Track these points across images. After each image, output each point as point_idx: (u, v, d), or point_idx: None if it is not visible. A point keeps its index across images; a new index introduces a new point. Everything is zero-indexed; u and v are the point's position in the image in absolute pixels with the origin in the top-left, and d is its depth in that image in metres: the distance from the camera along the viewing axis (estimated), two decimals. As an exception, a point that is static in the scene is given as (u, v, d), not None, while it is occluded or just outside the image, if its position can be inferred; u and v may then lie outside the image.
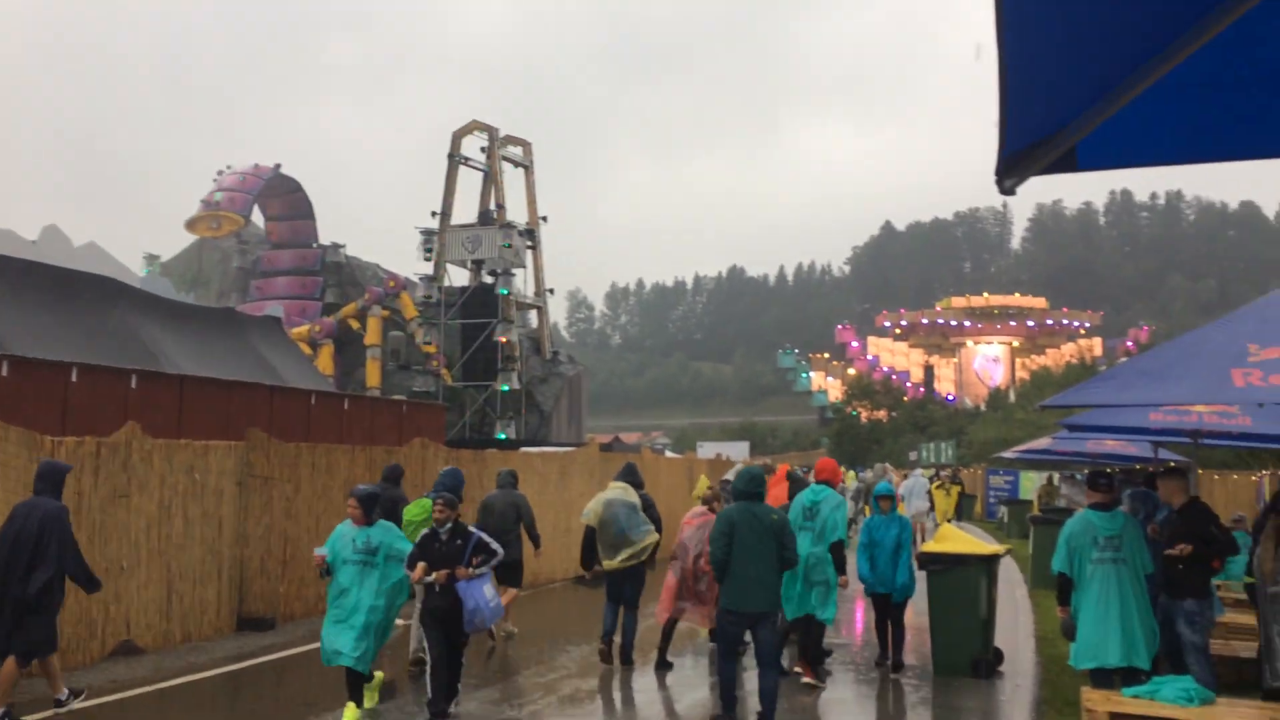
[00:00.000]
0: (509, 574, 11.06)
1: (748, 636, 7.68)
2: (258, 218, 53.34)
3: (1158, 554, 7.59)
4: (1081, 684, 7.41)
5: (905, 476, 26.52)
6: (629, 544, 9.79)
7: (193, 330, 21.37)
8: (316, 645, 10.69)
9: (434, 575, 7.48)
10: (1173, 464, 18.71)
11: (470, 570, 7.49)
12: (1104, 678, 7.21)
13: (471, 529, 7.84)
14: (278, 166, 51.36)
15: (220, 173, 50.99)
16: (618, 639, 9.93)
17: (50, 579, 7.45)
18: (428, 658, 7.75)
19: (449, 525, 7.64)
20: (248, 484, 11.84)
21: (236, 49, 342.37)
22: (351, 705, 7.60)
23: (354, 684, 7.64)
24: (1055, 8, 1.70)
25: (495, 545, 7.77)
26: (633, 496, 10.11)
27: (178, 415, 16.07)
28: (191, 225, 51.67)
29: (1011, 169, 1.99)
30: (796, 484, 10.94)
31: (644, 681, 9.60)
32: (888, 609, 9.83)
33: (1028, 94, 1.84)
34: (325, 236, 52.76)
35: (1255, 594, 7.43)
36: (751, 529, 7.36)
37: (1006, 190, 2.08)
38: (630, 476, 10.42)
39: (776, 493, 10.83)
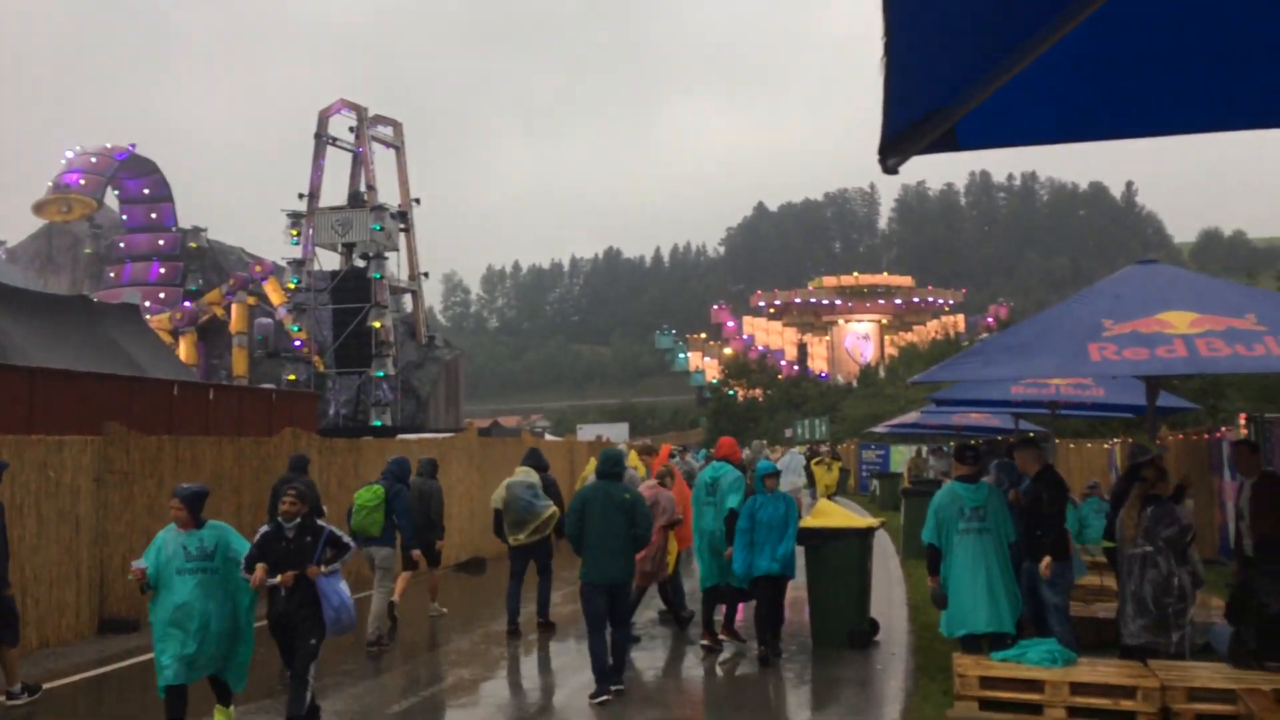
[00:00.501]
0: (428, 555, 11.72)
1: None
2: (111, 201, 50.88)
3: (1021, 521, 7.92)
4: (953, 650, 7.69)
5: (781, 453, 27.12)
6: (533, 518, 10.64)
7: (44, 320, 20.25)
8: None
9: (279, 577, 6.81)
10: (1030, 434, 19.58)
11: (321, 568, 6.89)
12: (973, 643, 7.49)
13: (321, 524, 7.19)
14: (132, 147, 49.04)
15: (70, 153, 48.43)
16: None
17: None
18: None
19: (296, 521, 6.98)
20: (106, 480, 11.29)
21: (73, 16, 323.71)
22: (220, 708, 7.16)
23: (222, 692, 7.13)
24: None
25: (348, 539, 7.20)
26: (534, 478, 10.87)
27: (29, 409, 15.23)
28: (39, 209, 48.95)
29: (894, 148, 2.00)
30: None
31: (529, 667, 9.56)
32: (767, 591, 8.99)
33: (910, 73, 1.85)
34: (185, 220, 50.73)
35: (1114, 557, 7.83)
36: (604, 506, 7.93)
37: (889, 169, 2.09)
38: (534, 460, 11.29)
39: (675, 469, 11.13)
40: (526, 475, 10.87)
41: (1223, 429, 14.76)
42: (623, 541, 7.91)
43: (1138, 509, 7.29)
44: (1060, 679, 6.68)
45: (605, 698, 7.79)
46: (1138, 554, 7.21)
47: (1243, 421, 12.90)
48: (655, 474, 10.77)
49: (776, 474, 9.24)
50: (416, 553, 10.96)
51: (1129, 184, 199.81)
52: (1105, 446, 20.33)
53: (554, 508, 10.83)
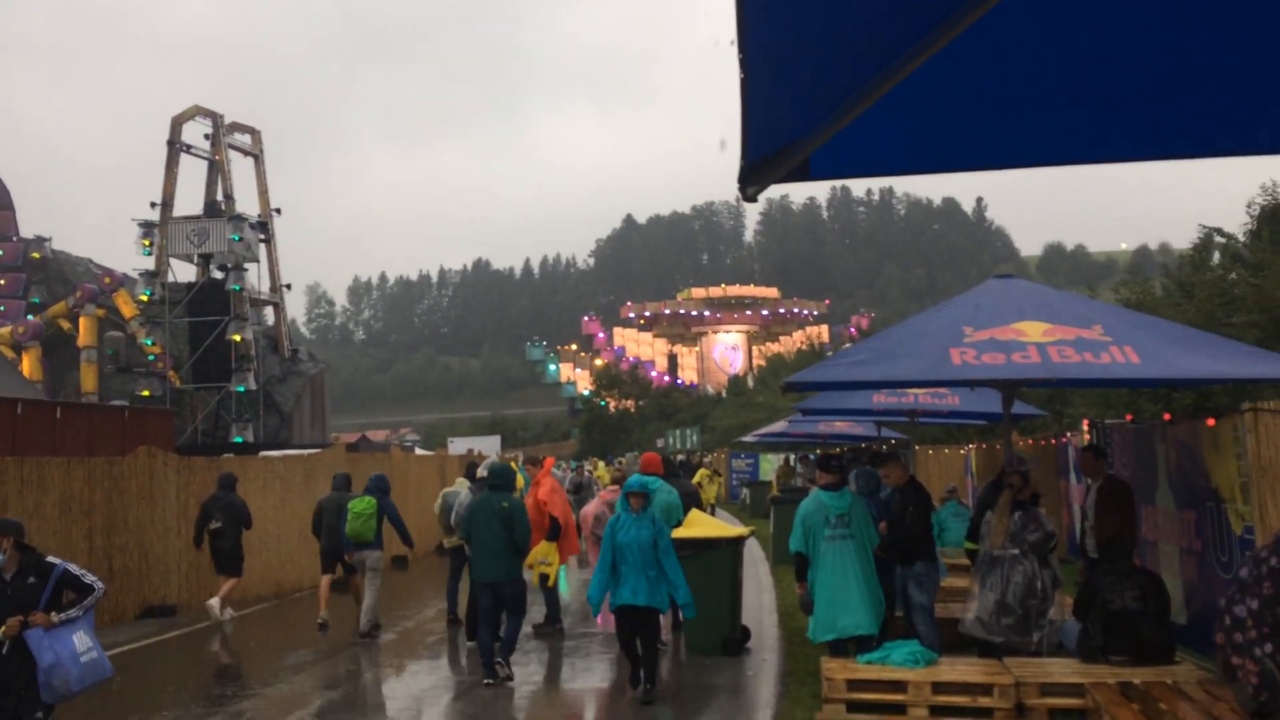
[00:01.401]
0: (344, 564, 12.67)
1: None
2: (-55, 208, 47.86)
3: (891, 530, 8.20)
4: (823, 654, 7.89)
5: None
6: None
7: None
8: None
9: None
10: (891, 443, 20.25)
11: (56, 617, 5.76)
12: (840, 647, 7.71)
13: (53, 560, 6.06)
14: (-32, 151, 46.29)
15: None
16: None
17: None
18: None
19: (17, 563, 5.88)
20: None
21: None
22: None
23: None
24: (791, 25, 1.79)
25: (92, 580, 6.07)
26: (465, 489, 11.97)
27: None
28: None
29: (752, 178, 2.08)
30: (673, 469, 13.36)
31: (434, 674, 9.39)
32: (636, 623, 7.90)
33: (767, 107, 1.93)
34: (27, 229, 48.10)
35: (974, 558, 8.17)
36: (487, 514, 8.86)
37: (749, 198, 2.18)
38: (470, 472, 12.53)
39: (549, 481, 11.09)
40: (461, 487, 12.25)
41: (1068, 434, 15.57)
42: (502, 544, 8.76)
43: (1007, 514, 7.63)
44: (923, 679, 6.94)
45: (490, 681, 8.82)
46: (1005, 556, 7.54)
47: (1085, 427, 13.64)
48: (539, 482, 10.97)
49: (644, 493, 8.08)
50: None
51: (979, 200, 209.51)
52: (961, 452, 21.19)
53: None
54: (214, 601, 12.97)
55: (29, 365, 41.36)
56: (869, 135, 2.24)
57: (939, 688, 6.92)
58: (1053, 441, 16.15)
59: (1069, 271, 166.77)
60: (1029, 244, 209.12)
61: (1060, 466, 15.28)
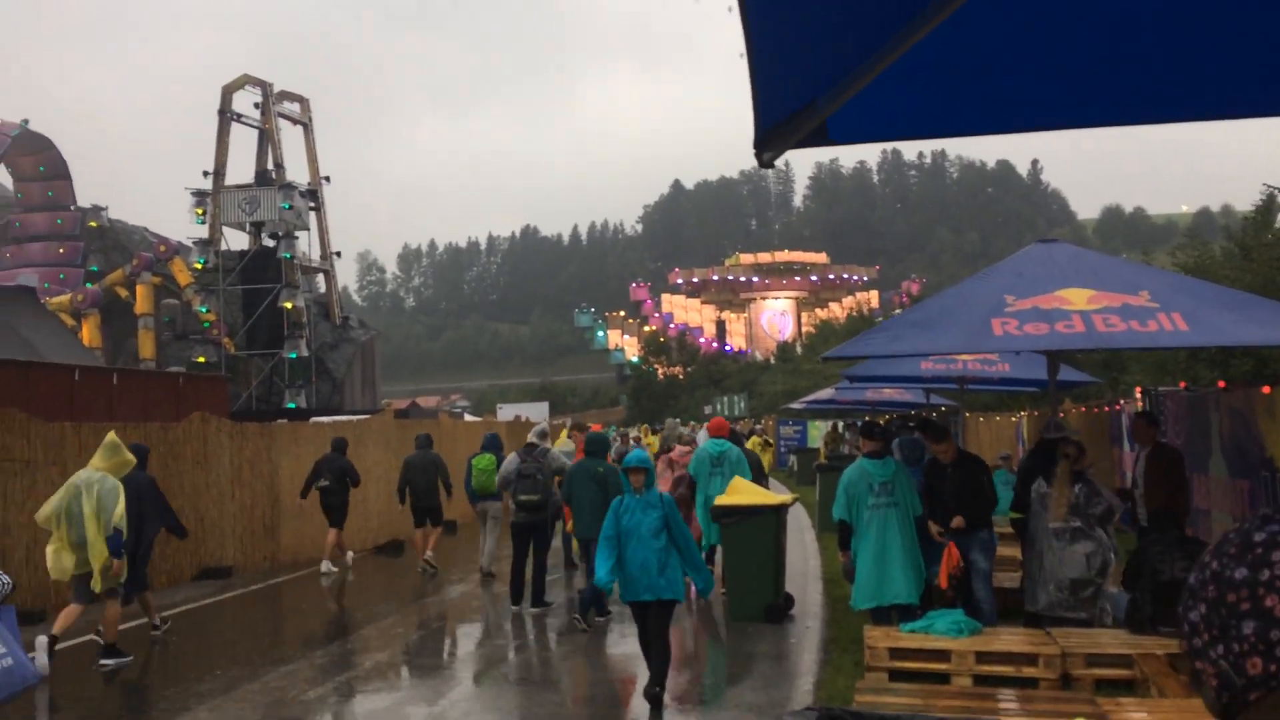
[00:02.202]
0: (432, 515, 14.14)
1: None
2: (5, 179, 48.88)
3: (933, 501, 8.08)
4: (866, 623, 7.87)
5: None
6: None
7: (-67, 304, 19.43)
8: (93, 636, 10.08)
9: None
10: (940, 410, 20.03)
11: None
12: (883, 615, 7.69)
13: None
14: (25, 122, 47.10)
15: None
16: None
17: None
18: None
19: None
20: (5, 469, 10.92)
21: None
22: None
23: None
24: None
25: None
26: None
27: (-81, 398, 14.63)
28: (-73, 187, 46.83)
29: (767, 143, 2.03)
30: (735, 437, 12.75)
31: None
32: (648, 620, 6.95)
33: (776, 70, 1.87)
34: (85, 198, 48.99)
35: (1020, 528, 8.08)
36: (585, 477, 9.97)
37: (765, 163, 2.13)
38: (491, 442, 13.22)
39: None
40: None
41: (1121, 401, 15.31)
42: (600, 505, 9.26)
43: (1068, 485, 7.51)
44: (966, 648, 6.90)
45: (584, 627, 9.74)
46: (1065, 529, 7.43)
47: (1138, 394, 13.40)
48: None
49: (645, 469, 6.98)
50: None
51: (1034, 162, 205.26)
52: (1013, 419, 20.93)
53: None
54: (327, 564, 14.28)
55: (88, 332, 42.27)
56: (890, 97, 2.16)
57: (983, 657, 6.88)
58: (1105, 409, 15.88)
59: (1127, 235, 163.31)
60: (1086, 207, 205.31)
61: (1113, 434, 15.04)
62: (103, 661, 8.96)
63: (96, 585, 8.63)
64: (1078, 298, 7.00)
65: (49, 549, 8.76)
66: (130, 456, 9.19)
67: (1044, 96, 2.31)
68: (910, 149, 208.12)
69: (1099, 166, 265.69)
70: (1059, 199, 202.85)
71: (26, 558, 11.04)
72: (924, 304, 8.71)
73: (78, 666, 8.95)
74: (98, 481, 8.69)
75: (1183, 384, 12.84)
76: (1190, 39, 2.06)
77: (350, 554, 14.83)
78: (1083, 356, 18.60)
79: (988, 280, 8.08)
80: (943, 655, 6.93)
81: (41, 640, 8.54)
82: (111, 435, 9.40)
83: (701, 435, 13.34)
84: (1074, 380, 13.18)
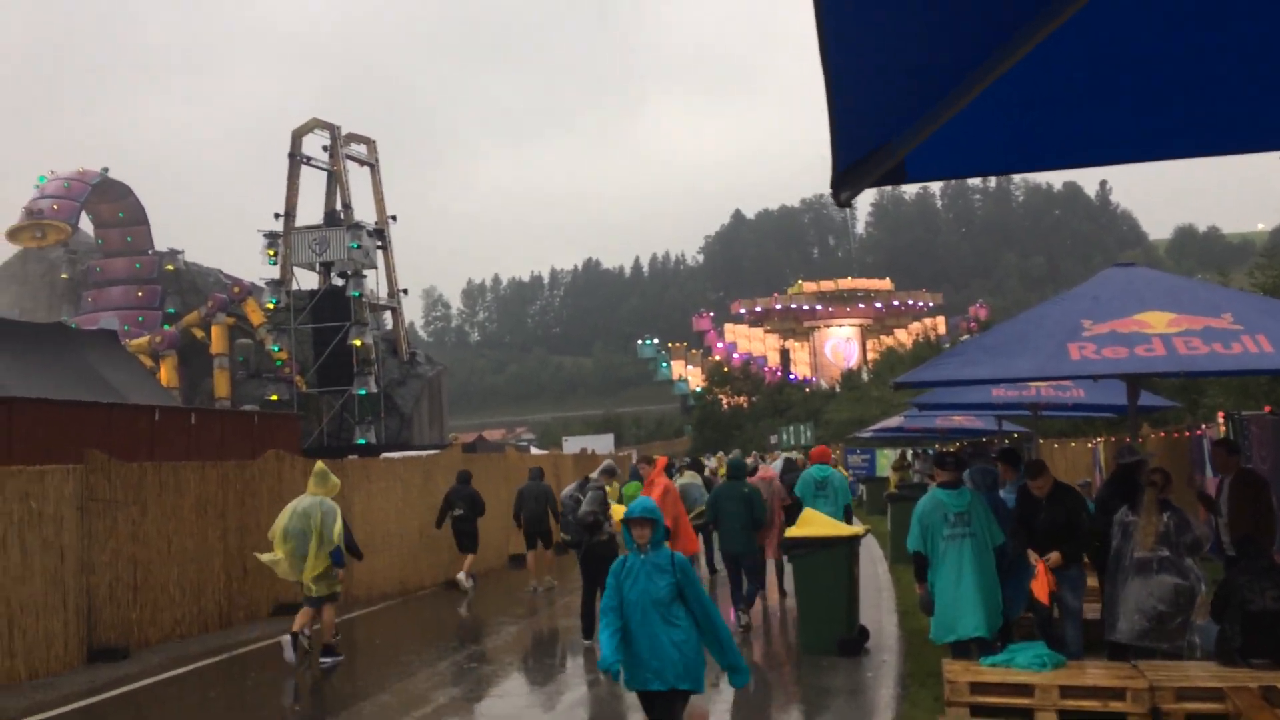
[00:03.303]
0: (544, 539, 15.40)
1: None
2: (86, 225, 50.58)
3: (1014, 528, 7.89)
4: (943, 656, 7.72)
5: (774, 459, 27.06)
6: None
7: (20, 348, 20.10)
8: (174, 672, 10.30)
9: None
10: (1013, 437, 19.65)
11: None
12: (963, 649, 7.52)
13: None
14: (105, 170, 48.82)
15: (43, 179, 48.14)
16: None
17: None
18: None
19: None
20: (90, 508, 11.21)
21: (37, 35, 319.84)
22: None
23: None
24: (874, 27, 1.75)
25: None
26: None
27: (8, 440, 15.11)
28: (13, 235, 48.63)
29: (845, 182, 2.03)
30: (790, 468, 14.63)
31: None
32: (654, 714, 5.49)
33: (855, 111, 1.89)
34: (161, 242, 50.47)
35: (1100, 557, 7.87)
36: (731, 498, 11.14)
37: (843, 203, 2.14)
38: (535, 474, 15.52)
39: (662, 481, 11.14)
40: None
41: (1203, 426, 14.89)
42: (743, 523, 10.98)
43: (1155, 514, 7.31)
44: (1050, 683, 6.72)
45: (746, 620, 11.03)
46: (1152, 559, 7.22)
47: (1220, 419, 13.02)
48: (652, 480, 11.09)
49: (652, 520, 5.43)
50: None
51: (1103, 183, 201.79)
52: (1089, 445, 20.46)
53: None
54: (460, 576, 15.67)
55: (166, 373, 43.42)
56: (966, 133, 2.16)
57: (1068, 691, 6.70)
58: (1185, 434, 15.46)
59: (1200, 255, 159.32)
60: (1158, 227, 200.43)
61: (1194, 459, 14.62)
62: (322, 660, 10.33)
63: (311, 591, 10.18)
64: (1158, 321, 6.84)
65: (266, 557, 10.42)
66: (337, 480, 10.68)
67: (1124, 130, 2.29)
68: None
69: (1170, 185, 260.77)
70: (1129, 220, 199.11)
71: (110, 595, 11.30)
72: (997, 329, 8.57)
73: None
74: (318, 505, 10.20)
75: (1267, 408, 12.45)
76: (1268, 68, 2.03)
77: (472, 580, 15.81)
78: (1159, 380, 18.16)
79: (1063, 304, 7.94)
80: (1026, 690, 6.76)
81: (286, 639, 10.12)
82: (320, 464, 10.90)
83: (767, 464, 15.93)
84: (1152, 405, 12.85)
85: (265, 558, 10.45)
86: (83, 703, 9.32)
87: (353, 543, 11.01)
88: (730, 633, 5.46)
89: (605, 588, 5.45)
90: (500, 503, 17.79)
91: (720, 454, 45.33)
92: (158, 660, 11.00)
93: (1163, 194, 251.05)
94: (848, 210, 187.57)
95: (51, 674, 10.34)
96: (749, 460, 18.61)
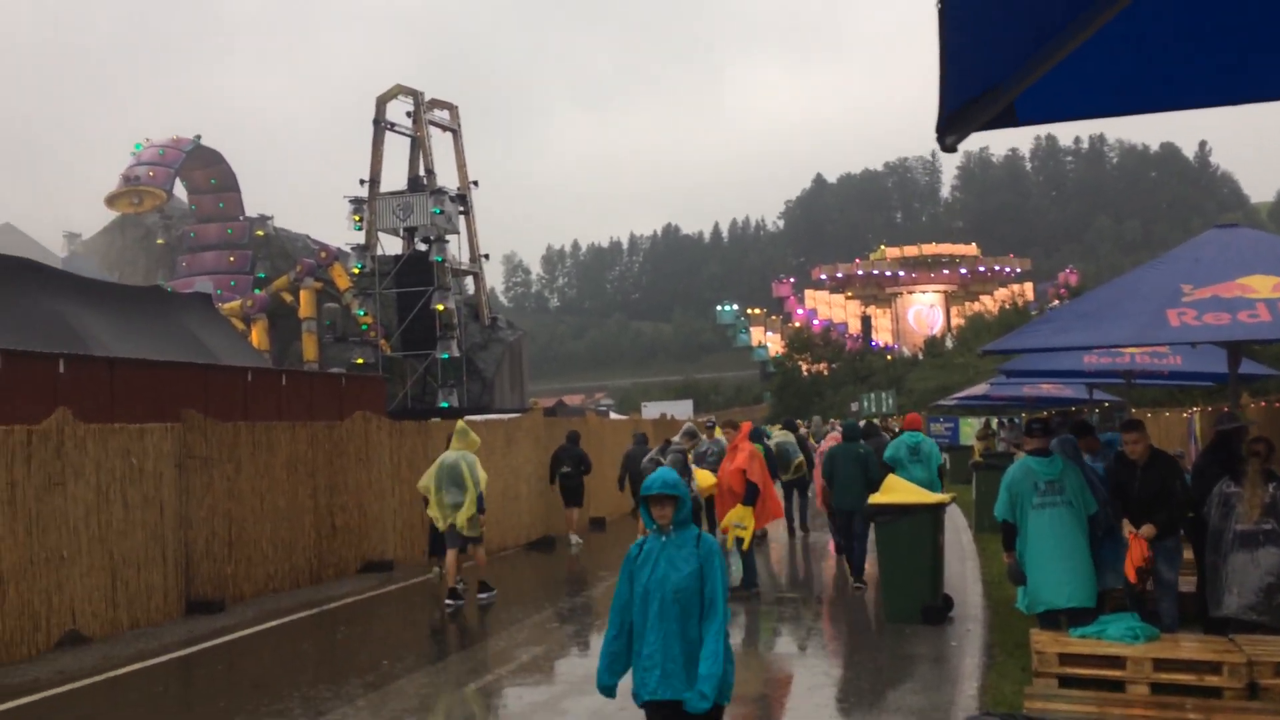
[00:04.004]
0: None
1: None
2: (180, 191, 51.97)
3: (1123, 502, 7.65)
4: (1029, 626, 7.58)
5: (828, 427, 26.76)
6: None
7: (120, 311, 20.79)
8: (267, 625, 10.63)
9: None
10: (1104, 406, 19.15)
11: None
12: (1052, 619, 7.38)
13: None
14: (198, 138, 49.98)
15: (138, 147, 49.55)
16: None
17: None
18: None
19: None
20: (187, 466, 11.59)
21: (133, 6, 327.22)
22: None
23: None
24: None
25: None
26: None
27: (109, 399, 15.67)
28: (111, 201, 50.19)
29: (952, 126, 1.98)
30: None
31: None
32: None
33: (966, 52, 1.82)
34: (251, 208, 51.63)
35: (1196, 529, 7.63)
36: (847, 458, 11.75)
37: (948, 147, 2.08)
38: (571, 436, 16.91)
39: (748, 447, 11.20)
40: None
41: (1307, 395, 14.33)
42: (858, 483, 11.35)
43: (1260, 485, 7.06)
44: (1143, 655, 6.56)
45: (859, 586, 11.42)
46: (1255, 531, 6.98)
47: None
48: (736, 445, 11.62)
49: (674, 498, 4.54)
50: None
51: (1202, 143, 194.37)
52: (1184, 415, 19.85)
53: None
54: (573, 535, 16.91)
55: (257, 336, 44.54)
56: (1081, 74, 2.08)
57: (1161, 664, 6.52)
58: (1288, 404, 14.89)
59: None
60: (1259, 189, 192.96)
61: (1297, 430, 14.07)
62: (479, 595, 11.68)
63: (465, 531, 11.35)
64: (1262, 285, 6.56)
65: (430, 511, 11.75)
66: (476, 438, 12.00)
67: (1240, 69, 2.17)
68: (1066, 134, 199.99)
69: (1274, 145, 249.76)
70: (1230, 182, 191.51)
71: (206, 549, 11.70)
72: (1091, 294, 8.31)
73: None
74: (462, 458, 11.48)
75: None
76: None
77: (577, 537, 16.96)
78: (1261, 348, 17.47)
79: (1161, 269, 7.65)
80: (1117, 662, 6.60)
81: (448, 602, 11.32)
82: (461, 423, 12.39)
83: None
84: (1253, 374, 12.39)
85: (430, 512, 11.75)
86: (182, 652, 9.69)
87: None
88: (729, 649, 4.48)
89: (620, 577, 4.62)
90: (599, 469, 18.60)
91: (816, 418, 45.01)
92: (251, 613, 11.37)
93: (1265, 154, 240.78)
94: (930, 172, 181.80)
95: (152, 624, 10.76)
96: (801, 429, 20.05)
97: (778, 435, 17.72)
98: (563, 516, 17.29)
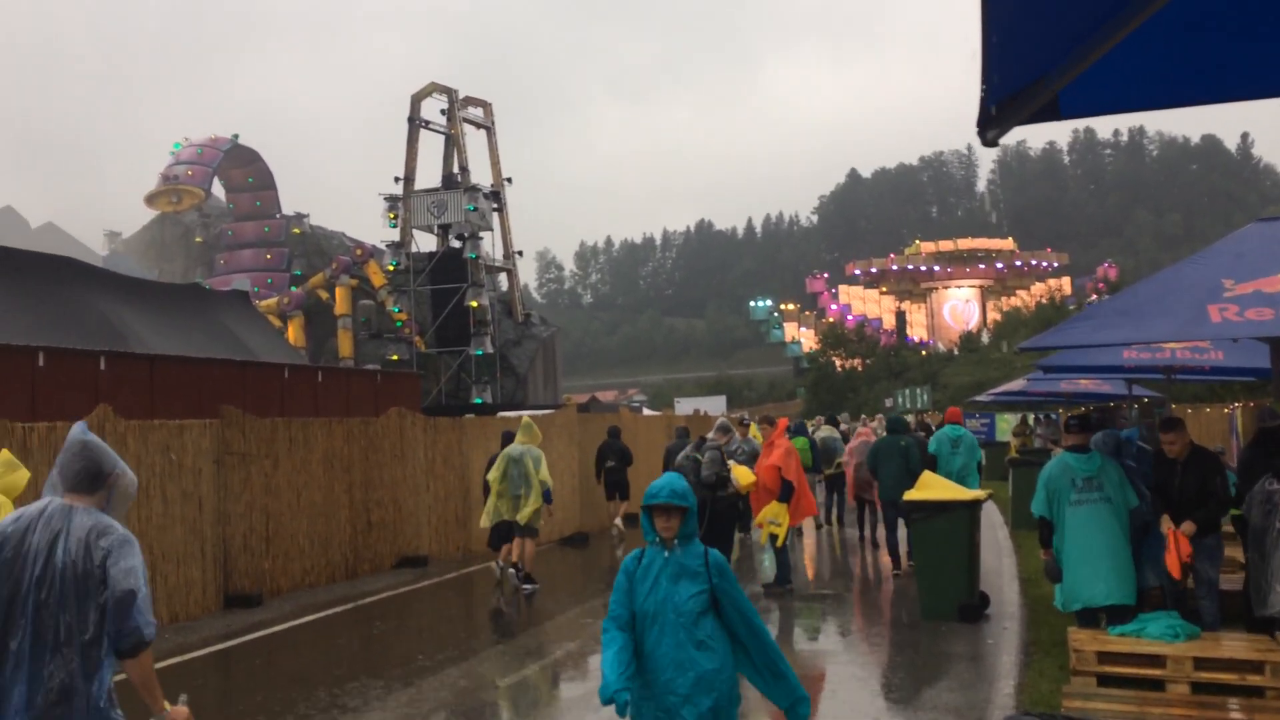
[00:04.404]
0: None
1: None
2: (218, 190, 52.58)
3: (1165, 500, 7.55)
4: (1067, 624, 7.50)
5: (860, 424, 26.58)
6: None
7: (160, 308, 21.07)
8: (304, 620, 10.74)
9: None
10: (1144, 401, 18.90)
11: None
12: (1090, 617, 7.30)
13: None
14: (235, 137, 50.55)
15: (177, 146, 50.18)
16: None
17: None
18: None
19: None
20: (225, 462, 11.72)
21: (169, 6, 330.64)
22: None
23: None
24: None
25: None
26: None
27: (149, 395, 15.89)
28: (151, 200, 50.91)
29: (994, 121, 1.95)
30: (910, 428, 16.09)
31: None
32: None
33: (1009, 46, 1.80)
34: (287, 206, 52.14)
35: (1241, 527, 7.51)
36: (890, 450, 12.39)
37: (989, 142, 2.06)
38: (800, 430, 16.74)
39: (784, 443, 11.17)
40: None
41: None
42: (901, 473, 11.74)
43: None
44: (1183, 654, 6.48)
45: (898, 571, 12.25)
46: None
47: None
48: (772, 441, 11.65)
49: (681, 509, 4.09)
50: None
51: (1244, 135, 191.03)
52: (1225, 411, 19.56)
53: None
54: (617, 522, 17.53)
55: (293, 333, 44.99)
56: (1125, 66, 2.04)
57: (1202, 663, 6.44)
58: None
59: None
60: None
61: (1343, 427, 13.82)
62: (524, 587, 11.96)
63: (524, 520, 11.84)
64: (1308, 280, 6.43)
65: (489, 502, 12.14)
66: (539, 432, 12.55)
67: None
68: (1105, 126, 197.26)
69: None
70: (1272, 174, 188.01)
71: (244, 544, 11.83)
72: (1131, 290, 8.17)
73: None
74: (527, 452, 11.98)
75: None
76: None
77: (620, 525, 17.49)
78: (1306, 343, 17.15)
79: (1202, 263, 7.51)
80: (1157, 660, 6.52)
81: (510, 572, 12.10)
82: (526, 418, 13.11)
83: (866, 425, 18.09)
84: (1298, 369, 12.16)
85: (489, 503, 12.15)
86: (221, 645, 9.81)
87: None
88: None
89: (616, 588, 4.18)
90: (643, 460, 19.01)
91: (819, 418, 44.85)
92: (289, 608, 11.49)
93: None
94: (966, 166, 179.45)
95: (191, 618, 10.90)
96: (843, 426, 21.02)
97: (823, 431, 18.55)
98: (603, 511, 17.93)
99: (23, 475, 5.54)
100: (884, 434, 13.51)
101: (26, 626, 3.57)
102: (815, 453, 16.72)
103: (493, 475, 12.09)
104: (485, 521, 12.23)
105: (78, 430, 3.89)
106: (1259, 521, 7.10)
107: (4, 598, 3.58)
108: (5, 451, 5.78)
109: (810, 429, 19.37)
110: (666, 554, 4.08)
